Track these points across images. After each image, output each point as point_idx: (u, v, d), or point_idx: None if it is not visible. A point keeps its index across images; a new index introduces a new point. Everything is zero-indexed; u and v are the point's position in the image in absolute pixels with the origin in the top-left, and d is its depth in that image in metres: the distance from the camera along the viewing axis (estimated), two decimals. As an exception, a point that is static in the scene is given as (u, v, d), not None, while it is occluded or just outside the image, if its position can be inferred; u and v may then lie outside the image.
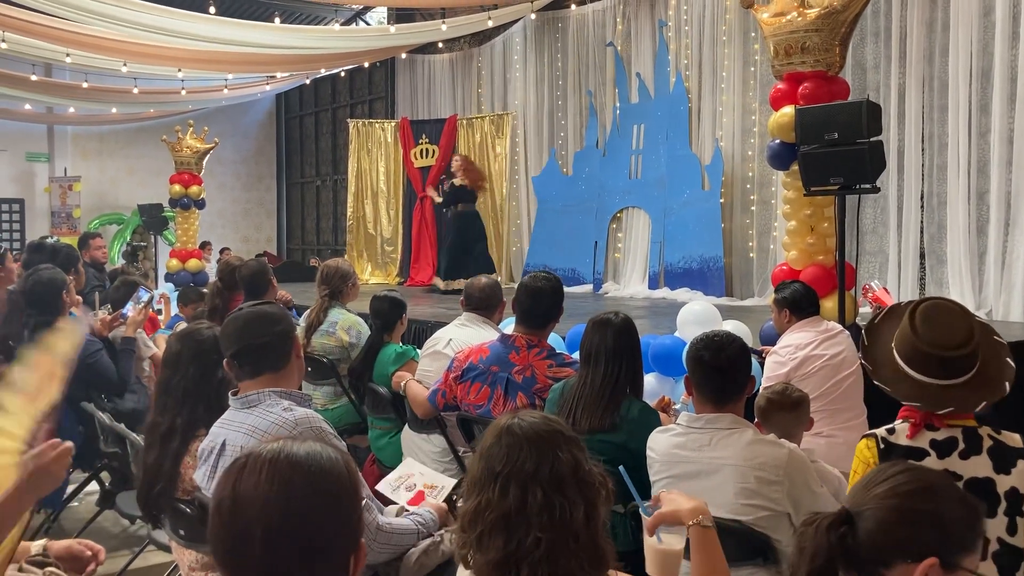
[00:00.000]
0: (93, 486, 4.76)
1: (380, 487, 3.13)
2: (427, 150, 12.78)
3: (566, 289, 3.94)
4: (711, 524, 1.83)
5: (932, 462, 2.10)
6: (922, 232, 7.97)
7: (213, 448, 2.50)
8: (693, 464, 2.58)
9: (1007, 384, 2.16)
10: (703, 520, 1.81)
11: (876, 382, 2.21)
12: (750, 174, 9.60)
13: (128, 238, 15.53)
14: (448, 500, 2.80)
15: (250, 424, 2.38)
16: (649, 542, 1.83)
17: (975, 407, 2.14)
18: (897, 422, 2.21)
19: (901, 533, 1.37)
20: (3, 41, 10.42)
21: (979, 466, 2.09)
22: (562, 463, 1.64)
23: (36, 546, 2.18)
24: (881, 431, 2.20)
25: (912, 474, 1.45)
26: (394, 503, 2.89)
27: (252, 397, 2.43)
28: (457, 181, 10.45)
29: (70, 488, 4.57)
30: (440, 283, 10.42)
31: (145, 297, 4.73)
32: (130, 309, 4.68)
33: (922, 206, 7.97)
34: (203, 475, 2.56)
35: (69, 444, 1.93)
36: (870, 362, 2.24)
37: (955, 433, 2.13)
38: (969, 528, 1.39)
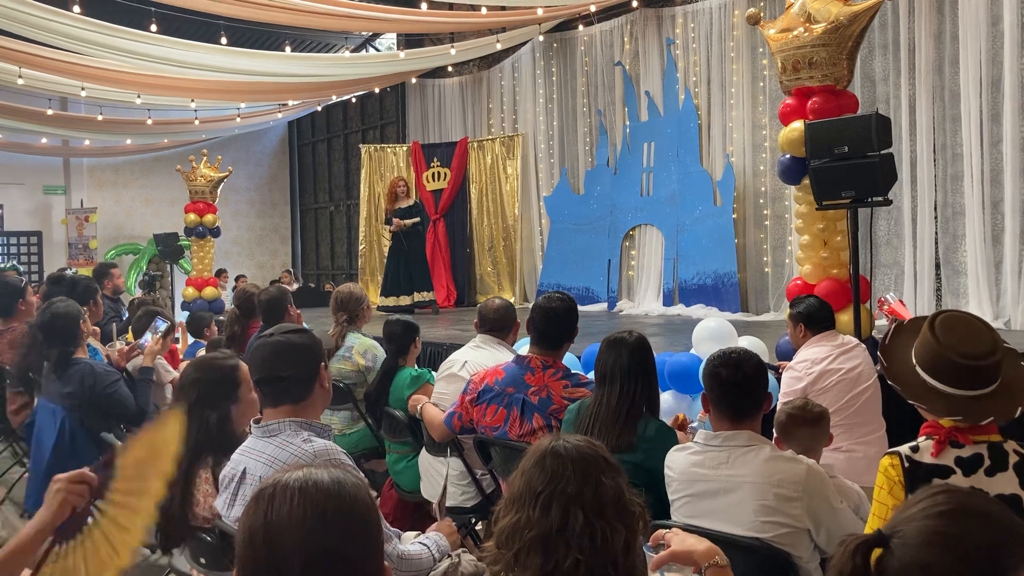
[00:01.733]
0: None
1: None
2: (439, 173, 12.85)
3: (581, 308, 3.94)
4: (726, 563, 1.82)
5: (958, 480, 2.06)
6: (937, 243, 7.94)
7: (234, 476, 2.51)
8: (712, 482, 2.57)
9: None
10: (718, 560, 1.80)
11: (911, 401, 2.17)
12: (762, 189, 9.60)
13: (144, 268, 15.65)
14: (465, 527, 2.79)
15: (269, 454, 2.39)
16: None
17: (1013, 414, 2.10)
18: (921, 439, 2.16)
19: (930, 557, 1.30)
20: (20, 77, 10.59)
21: (1005, 483, 2.05)
22: (606, 488, 1.64)
23: None
24: (905, 449, 2.16)
25: (949, 496, 1.37)
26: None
27: (272, 427, 2.44)
28: (415, 199, 10.70)
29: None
30: (406, 299, 10.37)
31: (163, 327, 4.76)
32: (148, 339, 4.72)
33: (936, 217, 7.94)
34: (223, 502, 2.57)
35: (94, 476, 1.94)
36: (896, 382, 2.19)
37: (981, 449, 2.09)
38: (1010, 555, 1.29)
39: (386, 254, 11.27)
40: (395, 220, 10.32)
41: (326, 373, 2.54)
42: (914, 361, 2.16)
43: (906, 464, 2.12)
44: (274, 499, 1.27)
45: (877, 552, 1.35)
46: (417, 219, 10.40)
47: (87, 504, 1.88)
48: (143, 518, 1.88)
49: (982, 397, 2.08)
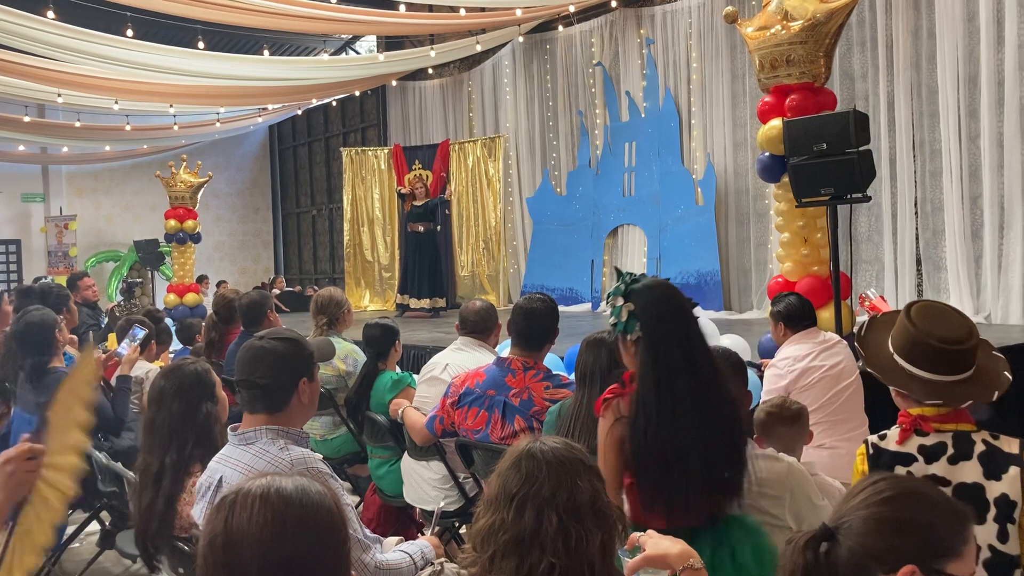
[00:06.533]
0: (94, 526, 4.73)
1: None
2: (420, 175, 12.82)
3: (564, 309, 3.93)
4: (701, 565, 1.80)
5: (920, 467, 2.08)
6: (917, 239, 7.98)
7: (211, 484, 2.48)
8: (693, 482, 2.56)
9: (1007, 373, 2.16)
10: (693, 563, 1.78)
11: (891, 386, 2.17)
12: (744, 187, 9.62)
13: (125, 274, 15.54)
14: (448, 531, 2.77)
15: (246, 463, 2.36)
16: None
17: (990, 399, 2.12)
18: (892, 428, 2.18)
19: (877, 543, 1.33)
20: (-6, 84, 10.49)
21: (968, 471, 2.06)
22: (581, 491, 1.63)
23: None
24: (873, 437, 2.18)
25: (889, 482, 1.41)
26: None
27: (249, 435, 2.40)
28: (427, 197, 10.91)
29: (70, 529, 4.53)
30: (427, 303, 10.67)
31: (140, 335, 4.71)
32: (125, 347, 4.66)
33: (916, 212, 7.98)
34: (200, 511, 2.53)
35: (41, 446, 1.91)
36: (875, 370, 2.20)
37: (945, 438, 2.10)
38: (952, 533, 1.35)
39: (399, 250, 11.91)
40: (410, 224, 10.82)
41: (308, 387, 2.45)
42: (891, 349, 2.17)
43: (870, 451, 2.14)
44: (235, 506, 1.26)
45: (823, 547, 1.38)
46: (431, 223, 10.81)
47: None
48: (72, 471, 1.90)
49: (960, 382, 2.09)
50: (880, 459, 2.12)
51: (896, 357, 2.15)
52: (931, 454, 2.09)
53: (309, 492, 1.29)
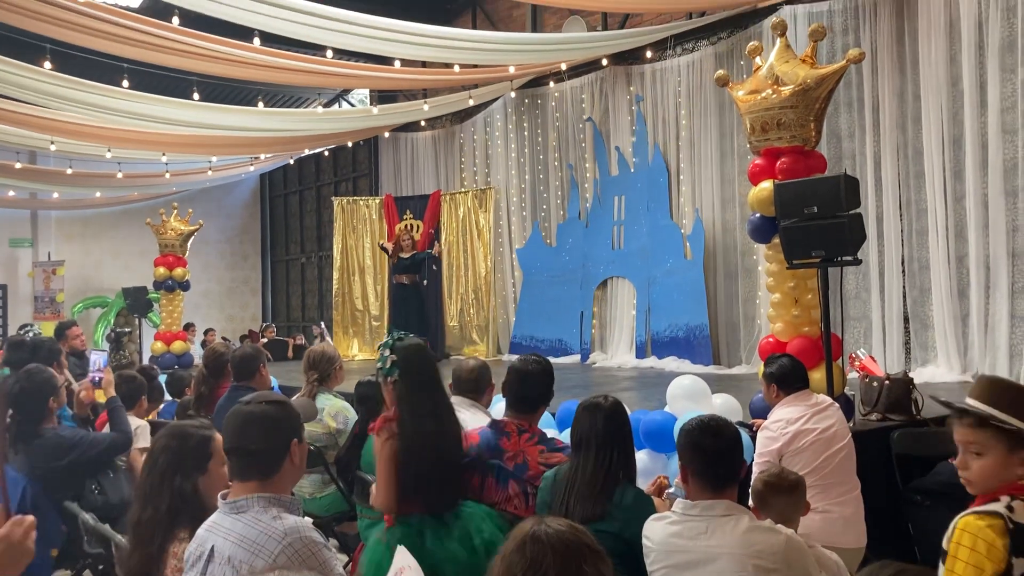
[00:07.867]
0: (77, 585, 4.65)
1: None
2: (411, 226, 12.88)
3: (554, 360, 3.93)
4: None
5: None
6: (905, 297, 8.04)
7: (201, 555, 2.44)
8: (690, 553, 2.55)
9: None
10: None
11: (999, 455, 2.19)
12: (732, 242, 9.70)
13: (112, 322, 15.44)
14: None
15: (238, 532, 2.33)
16: None
17: None
18: (1003, 499, 2.14)
19: None
20: (-12, 131, 10.51)
21: None
22: None
23: None
24: (1001, 509, 2.12)
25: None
26: None
27: (241, 503, 2.38)
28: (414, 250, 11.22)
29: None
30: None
31: (103, 358, 4.88)
32: (101, 372, 4.85)
33: (903, 271, 8.06)
34: (191, 582, 2.49)
35: (32, 518, 1.88)
36: None
37: None
38: None
39: (388, 299, 12.26)
40: (395, 276, 11.11)
41: (299, 448, 2.47)
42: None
43: (1010, 526, 2.08)
44: None
45: None
46: (416, 275, 11.08)
47: None
48: None
49: None
50: (1021, 535, 2.07)
51: None
52: None
53: None
